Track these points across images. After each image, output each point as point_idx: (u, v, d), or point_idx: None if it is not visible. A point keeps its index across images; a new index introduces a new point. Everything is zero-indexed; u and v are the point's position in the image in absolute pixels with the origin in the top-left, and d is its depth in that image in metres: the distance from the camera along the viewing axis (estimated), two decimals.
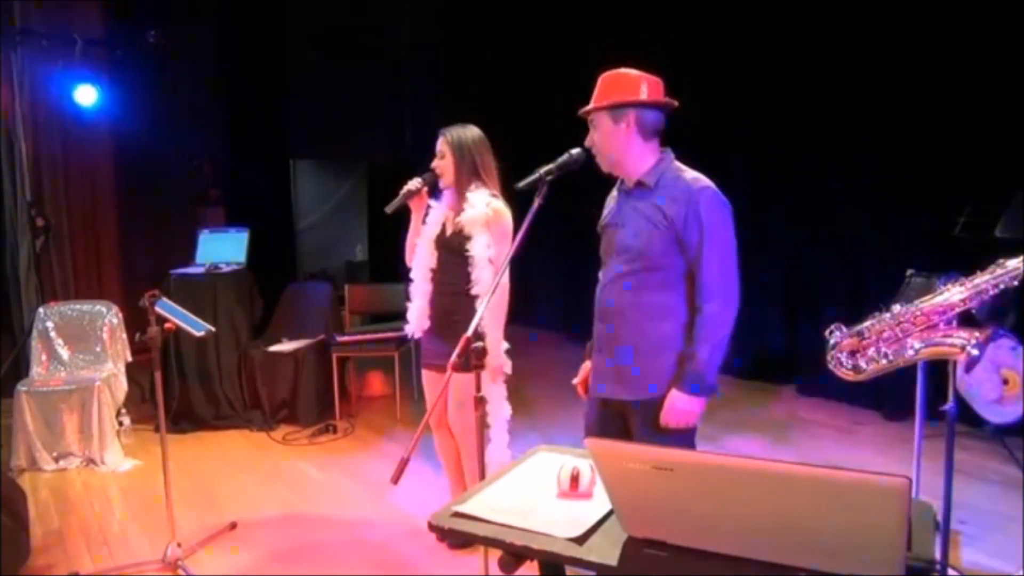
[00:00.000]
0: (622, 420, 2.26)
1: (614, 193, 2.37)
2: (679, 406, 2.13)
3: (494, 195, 2.97)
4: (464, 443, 3.06)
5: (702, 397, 2.13)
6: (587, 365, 2.43)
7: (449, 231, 3.00)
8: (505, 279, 2.85)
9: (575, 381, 2.47)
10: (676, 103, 2.23)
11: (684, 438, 2.19)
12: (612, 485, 1.41)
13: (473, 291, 2.92)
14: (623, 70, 2.22)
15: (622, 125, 2.18)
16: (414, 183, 2.98)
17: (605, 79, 2.22)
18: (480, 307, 2.03)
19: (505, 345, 2.97)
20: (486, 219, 2.91)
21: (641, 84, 2.19)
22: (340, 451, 4.44)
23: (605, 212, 2.38)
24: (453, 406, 3.02)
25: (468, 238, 2.93)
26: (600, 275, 2.33)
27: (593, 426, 2.35)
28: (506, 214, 2.93)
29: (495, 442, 2.99)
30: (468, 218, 2.93)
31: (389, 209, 3.02)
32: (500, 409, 3.00)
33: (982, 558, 2.95)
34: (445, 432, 3.14)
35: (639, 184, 2.22)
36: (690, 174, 2.20)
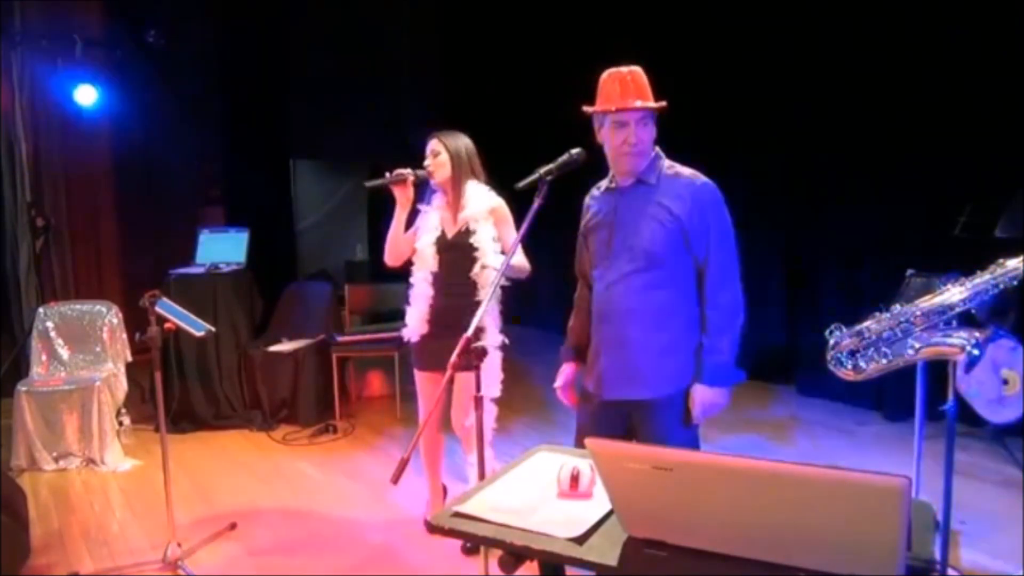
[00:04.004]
0: (625, 421, 2.26)
1: (595, 193, 2.36)
2: (708, 399, 2.18)
3: (490, 189, 3.04)
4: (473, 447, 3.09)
5: (727, 387, 2.19)
6: (566, 368, 2.44)
7: (451, 234, 3.01)
8: (525, 261, 2.93)
9: (557, 385, 2.45)
10: None
11: (690, 434, 2.23)
12: (612, 485, 1.41)
13: (476, 280, 2.97)
14: (634, 67, 2.21)
15: (655, 125, 2.21)
16: (404, 171, 3.00)
17: (639, 76, 2.18)
18: (480, 308, 2.03)
19: (501, 338, 3.02)
20: (489, 210, 2.98)
21: None
22: (340, 451, 4.44)
23: (591, 213, 2.35)
24: (462, 411, 3.03)
25: (473, 232, 2.97)
26: (596, 276, 2.30)
27: (590, 428, 2.31)
28: (505, 205, 3.02)
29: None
30: (471, 212, 2.98)
31: (368, 184, 3.05)
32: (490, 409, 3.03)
33: (982, 558, 2.95)
34: (436, 434, 3.21)
35: (639, 182, 2.22)
36: (686, 171, 2.23)
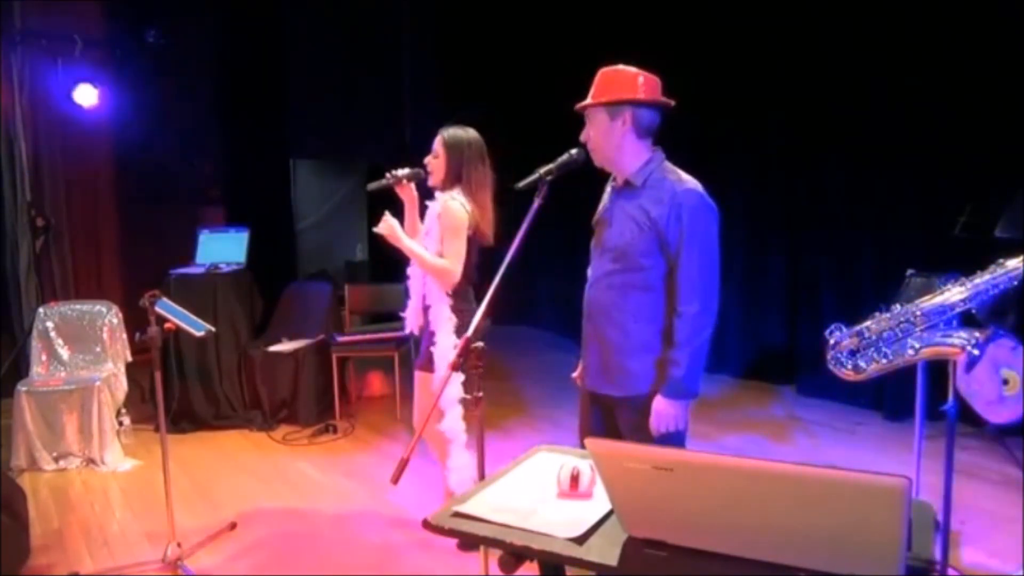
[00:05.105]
0: (611, 415, 2.30)
1: (608, 189, 2.38)
2: (664, 412, 2.16)
3: (459, 197, 2.93)
4: (442, 449, 3.07)
5: (685, 401, 2.17)
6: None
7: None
8: (445, 266, 2.89)
9: (574, 375, 2.49)
10: (672, 103, 2.23)
11: (672, 437, 2.21)
12: (612, 485, 1.41)
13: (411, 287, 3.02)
14: (622, 67, 2.22)
15: (618, 122, 2.17)
16: (401, 171, 3.04)
17: (604, 75, 2.22)
18: (480, 307, 2.03)
19: (453, 339, 2.91)
20: (436, 215, 2.94)
21: (639, 82, 2.19)
22: (340, 451, 4.44)
23: (598, 209, 2.38)
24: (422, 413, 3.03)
25: (425, 234, 3.01)
26: (588, 271, 2.35)
27: (585, 419, 2.39)
28: (457, 212, 2.89)
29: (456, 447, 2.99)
30: (428, 216, 3.00)
31: (370, 187, 3.08)
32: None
33: (982, 558, 2.95)
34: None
35: (627, 183, 2.23)
36: (677, 175, 2.19)
